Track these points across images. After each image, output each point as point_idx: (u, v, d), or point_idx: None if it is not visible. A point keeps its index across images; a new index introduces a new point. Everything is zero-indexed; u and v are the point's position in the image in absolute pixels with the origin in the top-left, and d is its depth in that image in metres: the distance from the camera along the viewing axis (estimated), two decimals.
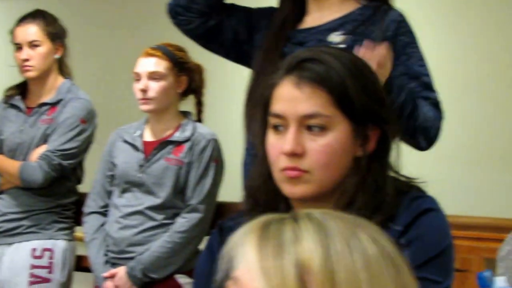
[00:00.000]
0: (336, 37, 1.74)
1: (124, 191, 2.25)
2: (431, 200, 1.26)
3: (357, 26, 1.74)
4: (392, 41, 1.71)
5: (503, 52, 3.13)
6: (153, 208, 2.20)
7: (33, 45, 2.40)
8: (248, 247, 0.71)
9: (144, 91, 2.17)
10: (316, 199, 1.20)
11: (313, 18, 1.82)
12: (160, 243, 2.22)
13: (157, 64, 2.22)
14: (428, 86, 1.80)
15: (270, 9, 1.87)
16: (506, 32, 3.16)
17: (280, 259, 0.68)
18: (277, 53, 1.75)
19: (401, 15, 1.78)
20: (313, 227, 0.70)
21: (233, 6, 1.89)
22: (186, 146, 2.20)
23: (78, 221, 2.46)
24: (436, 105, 1.70)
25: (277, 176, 1.21)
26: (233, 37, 1.87)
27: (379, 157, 1.25)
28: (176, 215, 2.22)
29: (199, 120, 2.28)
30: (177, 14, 1.80)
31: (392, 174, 1.27)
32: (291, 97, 1.20)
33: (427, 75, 1.76)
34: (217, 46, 1.89)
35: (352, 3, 1.81)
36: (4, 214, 2.42)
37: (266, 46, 1.81)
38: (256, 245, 0.70)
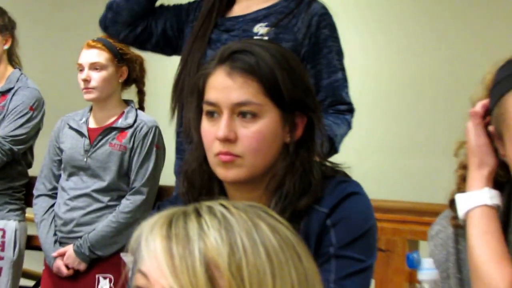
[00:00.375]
0: (261, 29, 1.80)
1: (71, 174, 2.35)
2: (356, 184, 1.33)
3: (281, 19, 1.79)
4: (315, 34, 1.78)
5: (425, 49, 3.36)
6: (99, 190, 2.31)
7: None
8: (155, 244, 0.71)
9: (86, 81, 2.26)
10: (248, 182, 1.26)
11: (241, 7, 1.88)
12: (105, 223, 2.31)
13: (98, 55, 2.31)
14: (344, 81, 1.85)
15: (200, 2, 1.92)
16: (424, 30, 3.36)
17: (189, 258, 0.69)
18: (205, 39, 1.82)
19: (324, 8, 1.83)
20: (217, 223, 0.71)
21: (161, 7, 1.97)
22: (129, 132, 2.30)
23: (28, 203, 2.55)
24: (347, 111, 1.77)
25: (212, 160, 1.25)
26: (163, 36, 1.93)
27: (306, 143, 1.30)
28: (121, 197, 2.32)
29: (141, 108, 2.37)
30: (106, 27, 1.90)
31: (318, 159, 1.33)
32: (224, 86, 1.24)
33: (342, 69, 1.82)
34: (151, 47, 1.97)
35: None
36: None
37: (194, 32, 1.87)
38: (164, 244, 0.71)
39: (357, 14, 3.52)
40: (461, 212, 1.22)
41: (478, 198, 1.22)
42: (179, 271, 0.67)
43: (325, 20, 1.80)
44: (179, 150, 1.88)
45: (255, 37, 1.80)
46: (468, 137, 1.22)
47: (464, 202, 1.23)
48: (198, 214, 0.70)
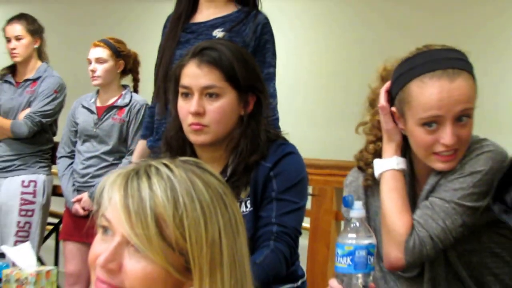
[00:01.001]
0: (218, 33, 2.05)
1: (84, 141, 2.80)
2: (292, 146, 1.56)
3: (233, 25, 2.05)
4: (259, 38, 2.04)
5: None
6: (105, 152, 2.77)
7: (18, 38, 2.90)
8: (116, 199, 0.79)
9: (93, 71, 2.71)
10: (213, 145, 1.50)
11: (203, 15, 2.12)
12: None
13: (101, 52, 2.74)
14: (273, 75, 2.10)
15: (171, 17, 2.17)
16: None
17: (142, 214, 0.78)
18: (175, 39, 2.09)
19: (266, 18, 2.10)
20: (164, 184, 0.80)
21: None
22: (126, 109, 2.74)
23: (53, 161, 3.02)
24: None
25: (186, 129, 1.47)
26: None
27: (256, 116, 1.53)
28: (121, 157, 2.77)
29: (135, 91, 2.82)
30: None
31: (264, 127, 1.55)
32: (195, 74, 1.46)
33: (273, 66, 2.10)
34: None
35: (232, 7, 2.12)
36: (1, 156, 2.94)
37: (167, 34, 2.14)
38: (122, 201, 0.79)
39: (294, 15, 4.10)
40: (376, 173, 1.41)
41: (388, 164, 1.40)
42: (135, 224, 0.77)
43: (266, 28, 2.08)
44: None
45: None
46: (381, 123, 1.41)
47: (379, 167, 1.41)
48: (148, 176, 0.79)
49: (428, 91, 1.33)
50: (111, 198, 0.79)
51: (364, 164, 1.50)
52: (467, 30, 3.72)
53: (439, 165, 1.38)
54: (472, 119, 1.37)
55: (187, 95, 1.49)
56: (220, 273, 0.83)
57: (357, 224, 1.22)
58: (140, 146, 2.38)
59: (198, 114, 1.47)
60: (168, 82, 1.80)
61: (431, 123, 1.33)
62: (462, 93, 1.32)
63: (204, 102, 1.48)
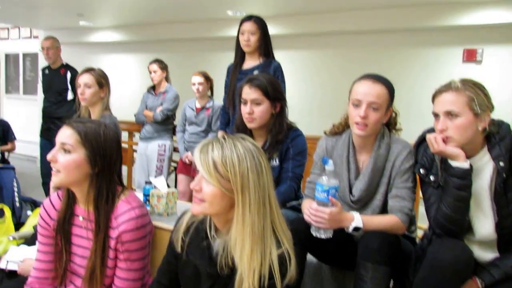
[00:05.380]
0: (256, 72, 2.96)
1: (189, 124, 4.27)
2: (300, 131, 2.24)
3: (263, 69, 3.01)
4: (274, 74, 2.95)
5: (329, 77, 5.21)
6: (200, 131, 4.22)
7: (155, 71, 4.36)
8: (197, 154, 1.26)
9: (198, 89, 4.11)
10: (258, 129, 2.18)
11: (247, 64, 3.11)
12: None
13: (199, 78, 4.15)
14: (284, 89, 2.74)
15: (231, 66, 3.19)
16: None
17: (207, 160, 1.25)
18: (235, 77, 3.11)
19: (278, 64, 3.06)
20: (219, 146, 1.23)
21: None
22: (211, 109, 4.16)
23: (174, 133, 4.52)
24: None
25: (245, 120, 2.16)
26: None
27: (281, 113, 2.20)
28: (208, 133, 4.14)
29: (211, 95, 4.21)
30: None
31: (285, 120, 2.23)
32: (248, 92, 2.17)
33: (283, 82, 2.98)
34: None
35: (261, 58, 3.08)
36: (148, 131, 4.40)
37: (230, 74, 3.18)
38: (198, 154, 1.26)
39: (298, 61, 5.56)
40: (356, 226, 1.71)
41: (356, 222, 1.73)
42: (203, 165, 1.26)
43: (278, 70, 3.07)
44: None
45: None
46: None
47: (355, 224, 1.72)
48: (212, 143, 1.25)
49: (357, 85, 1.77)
50: (195, 155, 1.22)
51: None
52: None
53: (355, 131, 1.84)
54: (380, 112, 1.81)
55: (246, 103, 2.12)
56: (248, 193, 1.22)
57: (330, 174, 1.67)
58: (219, 134, 3.34)
59: (251, 113, 2.11)
60: (235, 96, 2.84)
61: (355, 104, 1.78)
62: (375, 92, 1.76)
63: (253, 107, 2.12)
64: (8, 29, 9.42)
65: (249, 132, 2.22)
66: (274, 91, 2.17)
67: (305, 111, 5.47)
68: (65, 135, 1.66)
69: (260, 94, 2.14)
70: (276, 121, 2.16)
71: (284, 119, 2.21)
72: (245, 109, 2.14)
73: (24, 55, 9.28)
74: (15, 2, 5.70)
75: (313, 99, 5.66)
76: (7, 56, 9.66)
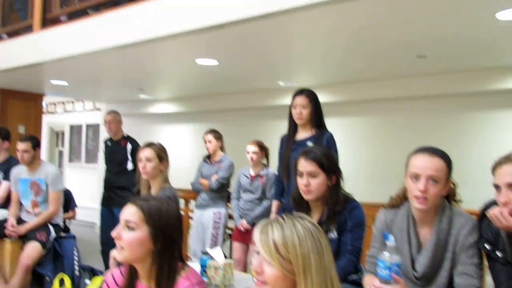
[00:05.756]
0: (309, 144, 3.09)
1: (244, 191, 4.36)
2: (357, 202, 2.22)
3: (315, 141, 3.10)
4: (327, 145, 3.05)
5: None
6: (254, 198, 4.29)
7: (210, 141, 4.51)
8: (256, 235, 1.24)
9: (252, 158, 4.25)
10: (315, 200, 2.17)
11: (300, 135, 3.21)
12: (257, 210, 4.26)
13: (254, 147, 4.27)
14: (337, 155, 2.83)
15: (284, 136, 3.28)
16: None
17: (268, 242, 1.23)
18: (289, 148, 3.21)
19: (331, 134, 3.15)
20: (279, 227, 1.23)
21: None
22: (265, 177, 4.26)
23: (229, 201, 4.61)
24: None
25: (301, 191, 2.16)
26: None
27: (337, 184, 2.21)
28: (262, 200, 4.23)
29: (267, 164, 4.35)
30: None
31: (341, 191, 2.23)
32: (303, 165, 2.19)
33: (336, 151, 3.04)
34: None
35: (313, 130, 3.16)
36: (204, 199, 4.49)
37: (284, 145, 3.27)
38: (259, 235, 1.24)
39: (347, 130, 5.62)
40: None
41: None
42: (265, 246, 1.24)
43: (331, 140, 3.15)
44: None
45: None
46: None
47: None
48: (271, 224, 1.25)
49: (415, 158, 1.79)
50: (255, 235, 1.20)
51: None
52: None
53: (415, 205, 1.82)
54: (439, 185, 1.79)
55: (301, 175, 2.17)
56: (310, 274, 1.19)
57: (392, 250, 1.61)
58: (274, 203, 3.52)
59: (307, 185, 2.15)
60: (289, 166, 2.96)
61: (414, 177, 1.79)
62: (433, 165, 1.76)
63: (309, 179, 2.16)
64: (73, 102, 10.01)
65: (306, 204, 2.23)
66: (330, 163, 2.21)
67: (359, 178, 5.46)
68: (130, 212, 1.72)
69: (316, 166, 2.17)
70: (333, 193, 2.18)
71: (340, 190, 2.23)
72: (301, 181, 2.17)
73: (87, 126, 9.79)
74: (81, 80, 6.11)
75: (365, 166, 5.68)
76: (71, 127, 10.22)
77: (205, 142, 4.69)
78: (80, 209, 5.81)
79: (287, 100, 3.39)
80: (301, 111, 3.19)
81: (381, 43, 3.68)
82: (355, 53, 4.07)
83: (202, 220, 4.60)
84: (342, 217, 2.16)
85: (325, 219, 2.17)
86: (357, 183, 4.31)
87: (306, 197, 2.16)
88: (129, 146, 4.94)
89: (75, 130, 10.22)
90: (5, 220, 4.19)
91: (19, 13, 5.15)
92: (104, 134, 6.99)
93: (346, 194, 2.25)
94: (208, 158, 4.76)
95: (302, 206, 2.20)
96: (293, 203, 2.23)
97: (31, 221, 4.11)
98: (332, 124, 3.44)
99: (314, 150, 2.24)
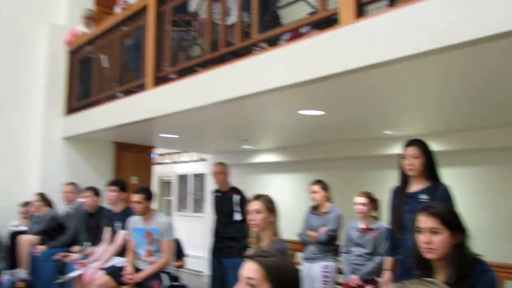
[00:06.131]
0: (423, 196, 2.91)
1: (354, 246, 4.16)
2: (488, 264, 2.05)
3: (429, 194, 2.88)
4: (441, 198, 2.79)
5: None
6: (366, 253, 4.11)
7: (315, 192, 4.42)
8: None
9: (361, 210, 4.18)
10: (439, 260, 2.05)
11: (413, 187, 3.01)
12: (369, 265, 4.05)
13: (362, 199, 4.11)
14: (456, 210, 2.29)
15: (395, 188, 3.10)
16: None
17: None
18: (401, 201, 3.00)
19: (446, 186, 2.89)
20: None
21: None
22: (377, 231, 4.08)
23: (337, 254, 4.48)
24: None
25: (422, 249, 2.07)
26: None
27: (462, 243, 2.07)
28: (372, 255, 4.03)
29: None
30: None
31: (467, 251, 2.07)
32: (424, 220, 2.09)
33: (453, 205, 2.70)
34: None
35: (427, 182, 2.96)
36: (312, 251, 4.41)
37: (396, 197, 3.08)
38: None
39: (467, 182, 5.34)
40: None
41: None
42: None
43: (446, 192, 2.89)
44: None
45: (420, 199, 2.81)
46: None
47: None
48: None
49: None
50: None
51: None
52: None
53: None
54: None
55: (421, 232, 2.09)
56: None
57: None
58: (388, 261, 3.25)
59: (428, 243, 2.04)
60: (402, 220, 2.82)
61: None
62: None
63: (431, 236, 2.05)
64: (179, 152, 10.44)
65: (428, 263, 2.11)
66: (453, 219, 2.09)
67: (483, 235, 4.96)
68: (250, 269, 1.71)
69: (438, 222, 2.06)
70: (459, 252, 2.04)
71: (467, 249, 2.08)
72: (421, 239, 2.06)
73: (194, 176, 10.12)
74: (189, 134, 6.37)
75: (486, 221, 5.24)
76: (179, 177, 10.62)
77: (311, 192, 4.61)
78: (188, 257, 5.93)
79: (394, 149, 3.20)
80: (413, 162, 3.03)
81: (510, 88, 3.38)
82: (477, 99, 3.80)
83: (311, 274, 4.48)
84: (473, 281, 2.00)
85: (454, 282, 2.00)
86: (481, 241, 4.05)
87: (428, 256, 2.06)
88: (236, 197, 5.01)
89: (181, 180, 10.59)
90: (122, 268, 4.39)
91: (133, 73, 5.51)
92: (209, 184, 7.13)
93: (473, 255, 2.10)
94: (315, 209, 4.67)
95: (425, 265, 2.09)
96: (415, 262, 2.14)
97: (147, 269, 4.25)
98: (448, 174, 3.25)
99: (435, 205, 2.14)
